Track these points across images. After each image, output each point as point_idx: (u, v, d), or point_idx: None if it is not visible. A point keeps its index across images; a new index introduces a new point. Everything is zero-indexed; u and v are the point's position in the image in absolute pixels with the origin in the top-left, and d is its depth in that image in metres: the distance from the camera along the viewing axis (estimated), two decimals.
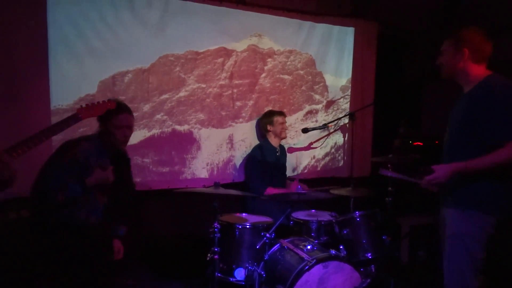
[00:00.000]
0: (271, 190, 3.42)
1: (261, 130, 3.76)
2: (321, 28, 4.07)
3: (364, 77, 4.36)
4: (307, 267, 2.36)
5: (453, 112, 2.18)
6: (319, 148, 4.20)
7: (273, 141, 3.67)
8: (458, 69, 2.10)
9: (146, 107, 3.26)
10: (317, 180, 4.09)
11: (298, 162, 4.09)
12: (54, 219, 2.30)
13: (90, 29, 3.00)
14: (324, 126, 3.87)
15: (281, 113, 3.69)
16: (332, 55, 4.17)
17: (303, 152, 4.12)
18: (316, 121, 4.14)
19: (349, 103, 4.33)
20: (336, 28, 4.16)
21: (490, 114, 1.93)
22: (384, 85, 4.44)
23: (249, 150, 3.74)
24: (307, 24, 3.99)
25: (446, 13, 4.18)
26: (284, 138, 3.75)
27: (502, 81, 2.01)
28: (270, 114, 3.68)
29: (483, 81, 2.03)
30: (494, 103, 1.93)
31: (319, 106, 4.16)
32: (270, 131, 3.65)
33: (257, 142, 3.80)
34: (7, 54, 2.71)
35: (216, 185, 2.69)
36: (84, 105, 2.14)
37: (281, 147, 3.78)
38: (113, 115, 2.37)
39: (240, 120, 3.72)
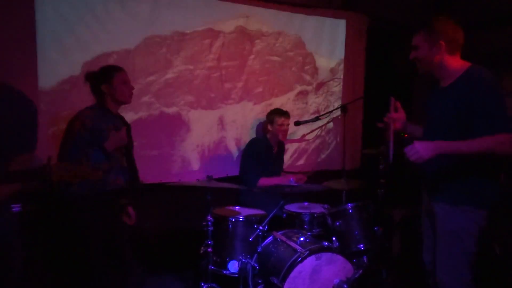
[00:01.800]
0: (264, 181, 3.42)
1: (263, 126, 3.74)
2: (313, 21, 4.07)
3: (356, 70, 4.37)
4: (300, 259, 2.38)
5: (430, 107, 2.13)
6: (311, 140, 4.21)
7: (272, 139, 3.61)
8: (435, 62, 2.04)
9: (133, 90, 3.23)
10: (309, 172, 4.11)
11: (291, 155, 4.10)
12: (82, 191, 2.29)
13: (77, 20, 2.99)
14: (316, 119, 3.86)
15: (283, 114, 3.57)
16: (323, 39, 4.16)
17: (296, 144, 4.13)
18: (307, 102, 4.13)
19: (338, 86, 4.31)
20: (328, 20, 4.16)
21: (480, 107, 1.88)
22: (375, 77, 4.45)
23: (240, 131, 3.75)
24: (299, 16, 3.98)
25: (436, 6, 4.20)
26: (282, 140, 3.66)
27: (486, 72, 1.95)
28: (272, 113, 3.60)
29: (466, 73, 1.98)
30: (483, 95, 1.88)
31: (310, 88, 4.15)
32: (269, 130, 3.59)
33: (248, 123, 3.80)
34: None
35: (209, 178, 2.69)
36: None
37: (280, 144, 3.74)
38: (115, 73, 2.43)
39: (230, 101, 3.70)
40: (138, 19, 3.20)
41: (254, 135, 3.81)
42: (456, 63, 2.04)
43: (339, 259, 2.47)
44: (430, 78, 2.32)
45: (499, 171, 2.02)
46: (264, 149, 3.57)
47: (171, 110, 3.42)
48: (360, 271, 2.46)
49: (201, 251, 2.75)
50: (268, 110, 3.71)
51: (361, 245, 2.75)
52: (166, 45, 3.34)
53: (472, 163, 1.97)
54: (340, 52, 4.28)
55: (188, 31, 3.42)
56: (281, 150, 3.79)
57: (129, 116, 3.22)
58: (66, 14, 2.94)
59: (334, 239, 2.71)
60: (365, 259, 2.77)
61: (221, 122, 3.68)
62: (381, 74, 4.53)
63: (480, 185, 1.99)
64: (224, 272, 2.71)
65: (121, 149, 2.44)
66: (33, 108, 1.69)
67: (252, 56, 3.78)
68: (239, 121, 3.77)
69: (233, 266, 2.70)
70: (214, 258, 2.73)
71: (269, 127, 3.59)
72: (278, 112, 3.58)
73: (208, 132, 3.62)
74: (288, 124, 3.60)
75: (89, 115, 2.35)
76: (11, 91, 1.66)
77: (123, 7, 3.14)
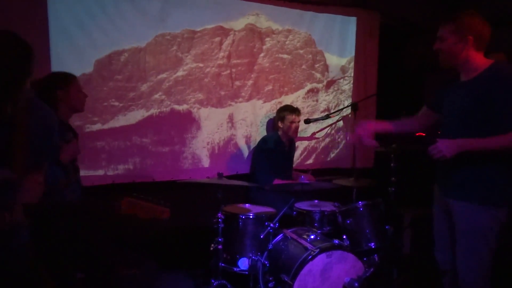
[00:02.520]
0: (278, 182, 3.41)
1: (274, 123, 3.73)
2: (323, 18, 4.05)
3: (367, 67, 4.34)
4: (310, 257, 2.37)
5: (450, 101, 2.12)
6: (321, 138, 4.19)
7: (283, 136, 3.60)
8: (461, 57, 2.02)
9: (144, 87, 3.25)
10: (320, 171, 4.09)
11: (301, 153, 4.09)
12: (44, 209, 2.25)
13: (89, 19, 3.01)
14: (327, 117, 3.85)
15: (294, 111, 3.56)
16: (333, 37, 4.14)
17: (306, 142, 4.11)
18: (317, 100, 4.12)
19: (349, 84, 4.29)
20: (339, 17, 4.14)
21: (502, 104, 1.89)
22: (386, 75, 4.42)
23: (250, 129, 3.75)
24: (309, 14, 3.97)
25: (448, 3, 4.15)
26: (294, 137, 3.64)
27: (510, 69, 1.96)
28: (283, 110, 3.59)
29: (490, 68, 1.98)
30: (506, 92, 1.89)
31: (320, 85, 4.13)
32: (280, 127, 3.59)
33: (257, 121, 3.80)
34: None
35: (220, 176, 2.70)
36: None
37: (291, 141, 3.74)
38: (72, 79, 2.36)
39: (240, 99, 3.71)
40: (148, 17, 3.22)
41: (264, 133, 3.81)
42: (480, 59, 2.03)
43: (350, 257, 2.46)
44: (442, 75, 2.31)
45: None
46: (275, 146, 3.56)
47: (182, 107, 3.43)
48: (371, 270, 2.44)
49: (211, 248, 2.76)
50: (278, 108, 3.70)
51: (372, 244, 2.73)
52: (177, 43, 3.35)
53: (493, 161, 1.97)
54: (350, 50, 4.26)
55: (198, 29, 3.43)
56: (292, 148, 3.78)
57: (141, 113, 3.26)
58: (78, 13, 2.97)
59: (344, 237, 2.70)
60: (376, 257, 2.75)
61: (231, 120, 3.68)
62: (392, 72, 4.49)
63: (502, 182, 1.98)
64: (234, 269, 2.72)
65: (72, 162, 2.32)
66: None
67: (262, 54, 3.78)
68: (249, 119, 3.77)
69: (243, 264, 2.71)
70: (224, 255, 2.73)
71: (280, 124, 3.58)
72: (289, 109, 3.57)
73: (218, 130, 3.63)
74: (299, 121, 3.60)
75: None
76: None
77: (133, 5, 3.16)
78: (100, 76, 3.08)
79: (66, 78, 2.36)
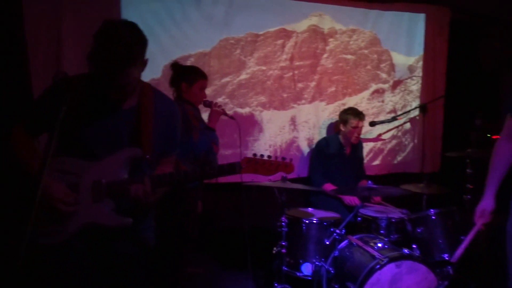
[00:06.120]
0: (328, 186, 3.32)
1: (335, 125, 3.64)
2: (389, 16, 3.89)
3: (436, 66, 4.10)
4: (378, 266, 2.28)
5: None
6: (387, 140, 4.01)
7: (344, 139, 3.46)
8: None
9: (208, 91, 3.28)
10: (387, 176, 3.92)
11: (366, 155, 3.94)
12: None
13: (158, 26, 3.15)
14: (393, 119, 3.68)
15: (358, 114, 3.37)
16: (400, 35, 3.97)
17: (371, 144, 3.96)
18: (383, 101, 3.96)
19: (417, 84, 4.08)
20: (406, 15, 3.95)
21: None
22: (458, 74, 4.14)
23: (312, 131, 3.71)
24: (374, 12, 3.83)
25: None
26: (354, 142, 3.46)
27: None
28: (346, 112, 3.42)
29: None
30: None
31: (386, 86, 3.97)
32: (342, 130, 3.45)
33: (320, 123, 3.75)
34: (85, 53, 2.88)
35: (284, 179, 2.68)
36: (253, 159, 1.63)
37: (355, 144, 3.53)
38: (199, 79, 2.61)
39: (303, 101, 3.68)
40: (213, 22, 3.30)
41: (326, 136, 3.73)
42: None
43: (421, 268, 2.33)
44: None
45: None
46: (335, 149, 3.45)
47: (245, 110, 3.48)
48: (446, 283, 2.30)
49: (274, 251, 2.75)
50: (341, 110, 3.59)
51: (446, 255, 2.57)
52: (240, 46, 3.40)
53: None
54: (419, 48, 4.05)
55: (261, 32, 3.46)
56: (356, 150, 3.58)
57: (204, 116, 3.32)
58: (148, 20, 3.11)
59: (414, 246, 2.57)
60: (450, 270, 2.58)
61: (293, 122, 3.66)
62: (464, 70, 4.20)
63: None
64: (297, 274, 2.68)
65: None
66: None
67: (325, 55, 3.71)
68: (312, 121, 3.72)
69: (306, 269, 2.67)
70: (287, 259, 2.71)
71: (342, 127, 3.45)
72: (353, 113, 3.40)
73: (280, 132, 3.62)
74: (362, 126, 3.43)
75: None
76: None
77: (199, 11, 3.26)
78: (167, 81, 3.18)
79: (195, 76, 2.62)
